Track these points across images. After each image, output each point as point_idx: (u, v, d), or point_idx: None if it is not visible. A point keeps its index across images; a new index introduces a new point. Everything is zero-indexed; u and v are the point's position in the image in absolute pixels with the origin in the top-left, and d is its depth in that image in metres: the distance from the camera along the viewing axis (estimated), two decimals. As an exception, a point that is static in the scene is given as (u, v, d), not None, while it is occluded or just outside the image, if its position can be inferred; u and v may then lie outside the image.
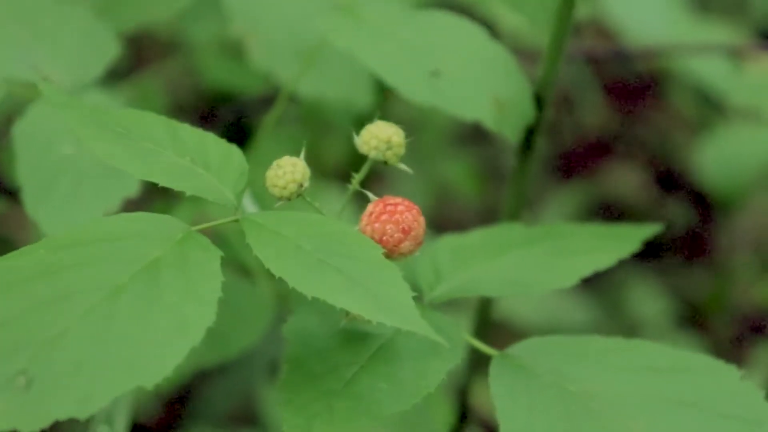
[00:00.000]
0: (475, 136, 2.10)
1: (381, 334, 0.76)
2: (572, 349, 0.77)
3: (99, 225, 0.69)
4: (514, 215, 0.95)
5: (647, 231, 0.87)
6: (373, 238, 0.72)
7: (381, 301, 0.65)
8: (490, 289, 0.82)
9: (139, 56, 1.54)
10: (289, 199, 0.74)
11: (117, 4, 1.10)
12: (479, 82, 0.89)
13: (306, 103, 1.37)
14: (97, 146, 0.72)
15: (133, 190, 0.89)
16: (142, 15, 1.12)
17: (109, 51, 0.99)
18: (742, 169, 1.64)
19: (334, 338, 0.75)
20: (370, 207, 0.73)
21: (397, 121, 0.77)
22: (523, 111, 0.89)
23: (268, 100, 1.37)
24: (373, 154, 0.75)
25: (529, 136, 0.91)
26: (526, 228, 0.87)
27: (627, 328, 1.89)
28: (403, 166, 0.76)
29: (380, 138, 0.75)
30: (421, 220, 0.73)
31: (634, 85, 2.36)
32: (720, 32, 1.66)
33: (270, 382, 1.46)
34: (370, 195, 0.74)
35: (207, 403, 1.51)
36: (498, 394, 0.73)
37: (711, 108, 1.84)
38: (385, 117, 1.43)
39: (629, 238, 0.86)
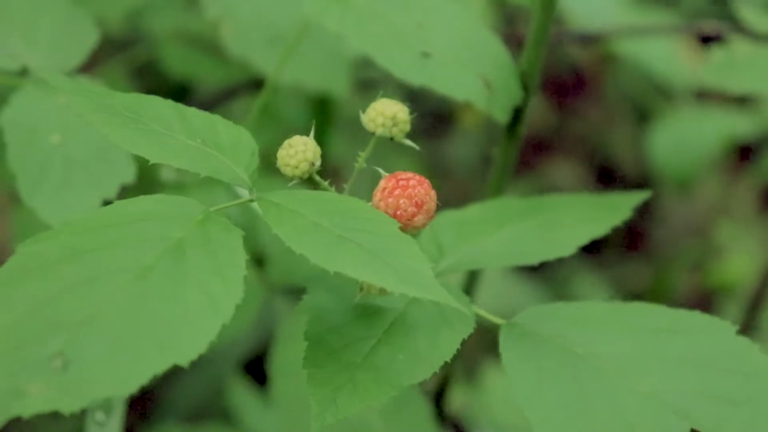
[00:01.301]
0: (420, 132, 2.12)
1: (393, 308, 0.77)
2: (575, 314, 0.79)
3: (117, 208, 0.69)
4: (499, 193, 0.97)
5: (636, 198, 0.90)
6: (387, 212, 0.73)
7: (402, 273, 0.66)
8: (492, 261, 0.83)
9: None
10: (301, 178, 0.75)
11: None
12: (468, 63, 0.90)
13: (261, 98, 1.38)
14: (109, 131, 0.72)
15: (129, 177, 0.90)
16: (114, 4, 1.12)
17: (89, 38, 0.98)
18: (691, 153, 1.68)
19: (349, 314, 0.76)
20: (382, 182, 0.74)
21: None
22: (511, 92, 0.91)
23: (229, 92, 1.37)
24: (379, 131, 0.76)
25: (516, 117, 0.93)
26: (520, 201, 0.89)
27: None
28: (408, 142, 0.77)
29: (386, 115, 0.76)
30: (433, 193, 0.74)
31: (571, 82, 2.40)
32: (665, 21, 1.69)
33: (239, 376, 1.47)
34: (382, 171, 0.75)
35: (175, 397, 1.51)
36: (508, 360, 0.75)
37: (658, 94, 1.87)
38: (334, 114, 1.44)
39: (620, 206, 0.88)
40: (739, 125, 1.71)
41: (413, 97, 2.29)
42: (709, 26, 1.23)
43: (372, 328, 0.76)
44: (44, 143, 0.89)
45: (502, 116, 0.90)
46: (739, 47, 1.15)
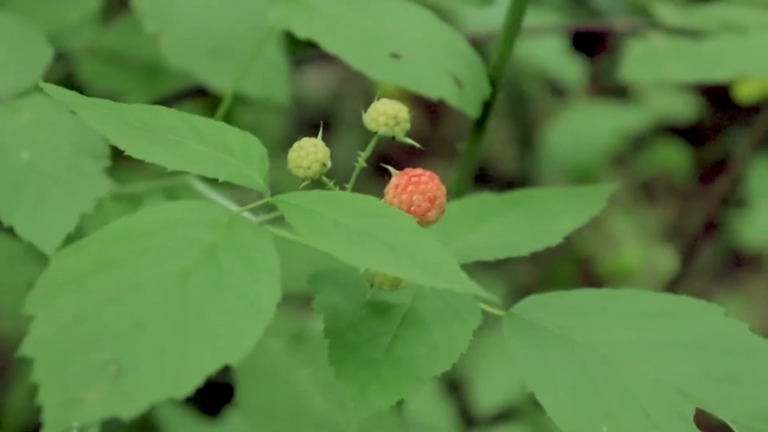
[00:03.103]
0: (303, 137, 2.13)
1: (402, 303, 0.79)
2: (568, 303, 0.81)
3: (141, 217, 0.69)
4: (463, 191, 0.99)
5: (609, 189, 0.93)
6: (401, 209, 0.75)
7: (429, 267, 0.67)
8: (483, 255, 0.85)
9: None
10: (312, 179, 0.76)
11: (31, 8, 1.09)
12: (437, 61, 0.93)
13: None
14: (123, 142, 0.72)
15: (104, 190, 0.89)
16: (54, 19, 1.11)
17: (44, 56, 0.97)
18: (588, 148, 1.73)
19: (361, 311, 0.78)
20: (394, 180, 0.76)
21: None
22: (480, 88, 0.93)
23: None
24: (382, 131, 0.78)
25: (485, 112, 0.95)
26: (499, 196, 0.92)
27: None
28: (410, 141, 0.79)
29: (388, 114, 0.78)
30: (443, 188, 0.76)
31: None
32: (556, 20, 1.74)
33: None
34: (392, 169, 0.77)
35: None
36: (514, 349, 0.77)
37: (550, 92, 1.92)
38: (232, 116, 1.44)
39: (596, 197, 0.92)
40: (630, 119, 1.78)
41: (297, 104, 2.31)
42: (622, 23, 1.28)
43: (386, 323, 0.77)
44: (16, 161, 0.88)
45: (474, 111, 0.93)
46: (656, 41, 1.20)
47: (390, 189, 0.76)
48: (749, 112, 2.31)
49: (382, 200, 0.75)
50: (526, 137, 2.16)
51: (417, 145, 0.79)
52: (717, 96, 2.30)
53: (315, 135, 0.79)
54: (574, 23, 1.64)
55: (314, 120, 2.35)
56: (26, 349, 0.62)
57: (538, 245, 0.86)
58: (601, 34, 2.18)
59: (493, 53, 0.94)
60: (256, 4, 1.14)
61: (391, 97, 0.81)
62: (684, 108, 1.91)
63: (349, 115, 2.47)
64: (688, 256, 1.45)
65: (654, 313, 0.80)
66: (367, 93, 2.39)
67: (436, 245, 0.70)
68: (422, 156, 2.40)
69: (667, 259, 1.93)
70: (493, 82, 0.94)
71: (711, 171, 2.41)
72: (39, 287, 0.65)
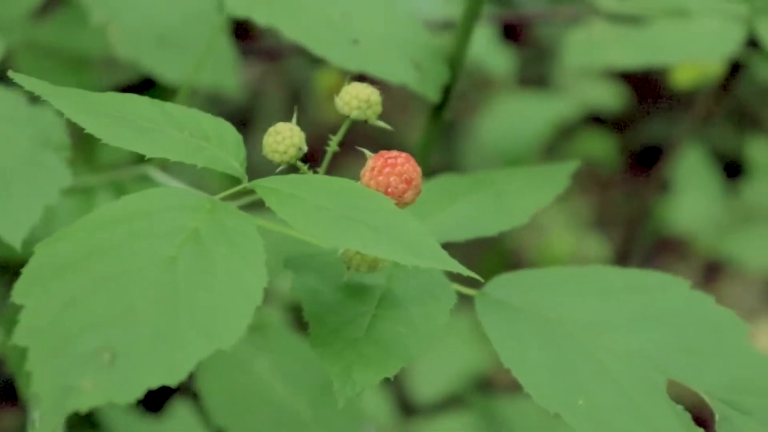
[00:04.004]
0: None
1: (378, 284, 0.79)
2: (537, 281, 0.82)
3: (125, 204, 0.69)
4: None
5: (571, 167, 0.94)
6: (378, 190, 0.75)
7: (410, 246, 0.68)
8: (452, 235, 0.86)
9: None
10: (288, 163, 0.76)
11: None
12: (396, 47, 0.93)
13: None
14: (99, 131, 0.72)
15: (66, 181, 0.88)
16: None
17: (-4, 48, 0.96)
18: (520, 137, 1.75)
19: (339, 293, 0.78)
20: (370, 162, 0.76)
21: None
22: (439, 72, 0.95)
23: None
24: (354, 114, 0.79)
25: (443, 99, 0.96)
26: (463, 177, 0.92)
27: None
28: (381, 124, 0.80)
29: (361, 98, 0.78)
30: (419, 170, 0.76)
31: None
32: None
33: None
34: (367, 152, 0.77)
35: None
36: (488, 327, 0.78)
37: (477, 84, 1.94)
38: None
39: (558, 176, 0.93)
40: (560, 108, 1.80)
41: (215, 101, 2.30)
42: (564, 11, 1.30)
43: (364, 304, 0.77)
44: (-27, 155, 0.87)
45: (434, 96, 0.94)
46: (597, 28, 1.22)
47: (366, 171, 0.76)
48: (673, 100, 2.36)
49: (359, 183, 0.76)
50: (449, 129, 2.17)
51: (388, 127, 0.80)
52: (641, 85, 2.34)
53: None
54: (506, 13, 1.65)
55: (234, 117, 2.33)
56: (18, 338, 0.62)
57: (505, 225, 0.87)
58: (519, 26, 2.21)
59: (452, 41, 0.95)
60: (203, -6, 1.14)
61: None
62: (608, 98, 1.94)
63: (269, 113, 2.47)
64: (625, 242, 1.47)
65: (621, 288, 0.82)
66: (288, 90, 2.39)
67: (415, 225, 0.70)
68: (352, 148, 2.40)
69: (597, 247, 1.96)
70: (453, 70, 0.95)
71: (634, 159, 2.45)
72: (26, 276, 0.64)
